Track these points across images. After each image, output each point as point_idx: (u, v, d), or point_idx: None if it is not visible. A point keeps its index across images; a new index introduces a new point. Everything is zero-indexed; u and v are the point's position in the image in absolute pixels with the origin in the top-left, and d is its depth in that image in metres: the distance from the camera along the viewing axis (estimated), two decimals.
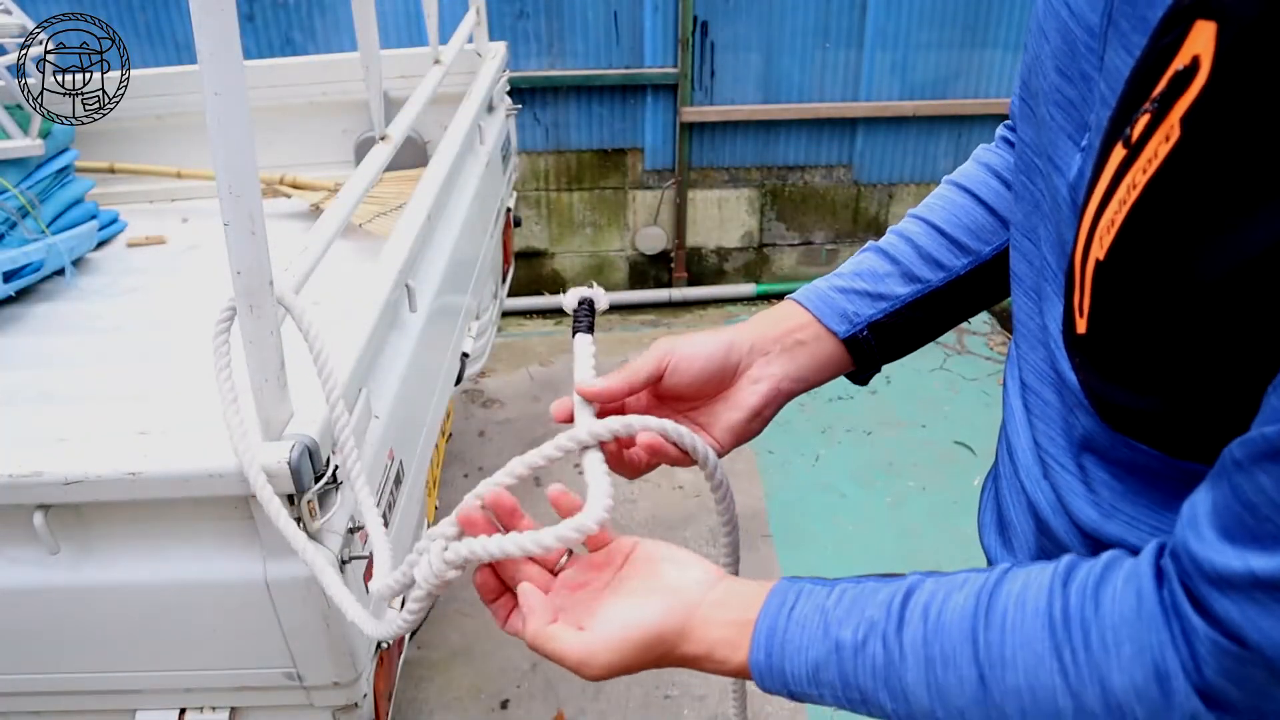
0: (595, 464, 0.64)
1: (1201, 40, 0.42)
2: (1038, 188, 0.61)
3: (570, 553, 0.65)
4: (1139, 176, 0.45)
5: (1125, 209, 0.46)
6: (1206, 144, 0.42)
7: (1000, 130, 0.81)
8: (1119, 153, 0.47)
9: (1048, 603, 0.50)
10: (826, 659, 0.56)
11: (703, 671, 0.60)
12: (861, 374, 0.80)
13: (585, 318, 0.74)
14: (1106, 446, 0.55)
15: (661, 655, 0.60)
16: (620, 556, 0.64)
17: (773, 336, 0.75)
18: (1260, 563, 0.41)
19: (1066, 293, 0.53)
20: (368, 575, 1.12)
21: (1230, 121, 0.41)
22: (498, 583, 0.65)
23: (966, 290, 0.78)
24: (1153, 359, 0.47)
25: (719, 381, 0.73)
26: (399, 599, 0.68)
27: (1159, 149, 0.44)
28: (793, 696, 0.58)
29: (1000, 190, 0.77)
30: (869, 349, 0.77)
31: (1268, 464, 0.40)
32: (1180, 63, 0.43)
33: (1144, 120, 0.45)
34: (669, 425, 0.64)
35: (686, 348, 0.71)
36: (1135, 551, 0.51)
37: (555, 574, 0.65)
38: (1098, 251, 0.48)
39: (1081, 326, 0.51)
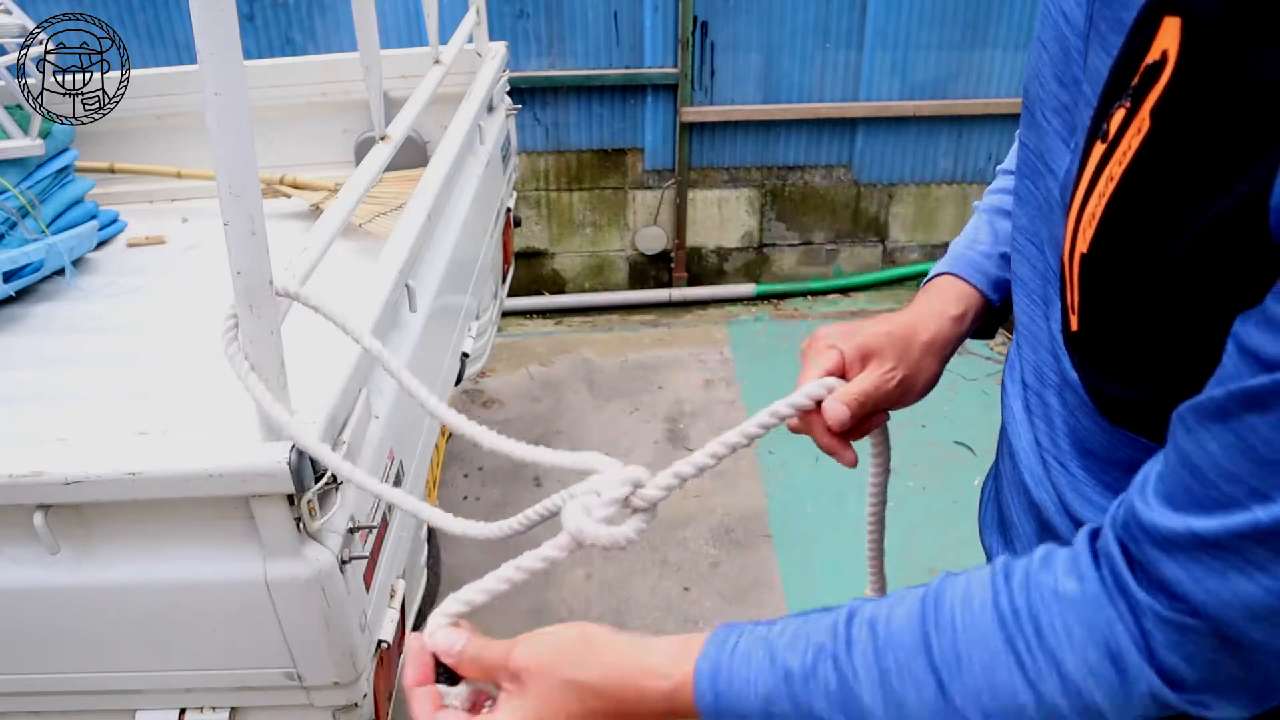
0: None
1: (1169, 35, 0.43)
2: (1040, 191, 0.62)
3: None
4: (1115, 169, 0.46)
5: (1104, 201, 0.47)
6: (1172, 135, 0.42)
7: None
8: (1099, 148, 0.48)
9: (993, 599, 0.50)
10: (776, 690, 0.52)
11: None
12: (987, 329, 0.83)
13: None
14: (1109, 446, 0.55)
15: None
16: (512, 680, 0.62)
17: (949, 336, 0.76)
18: (1201, 524, 0.41)
19: (1061, 291, 0.53)
20: (369, 575, 1.12)
21: (1193, 112, 0.41)
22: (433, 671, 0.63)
23: None
24: (1138, 349, 0.47)
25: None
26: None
27: (1132, 141, 0.45)
28: None
29: None
30: (1003, 311, 0.79)
31: (1214, 426, 0.40)
32: (1151, 57, 0.44)
33: (1120, 114, 0.46)
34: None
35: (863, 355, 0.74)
36: None
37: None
38: (1082, 245, 0.49)
39: (1075, 324, 0.52)
